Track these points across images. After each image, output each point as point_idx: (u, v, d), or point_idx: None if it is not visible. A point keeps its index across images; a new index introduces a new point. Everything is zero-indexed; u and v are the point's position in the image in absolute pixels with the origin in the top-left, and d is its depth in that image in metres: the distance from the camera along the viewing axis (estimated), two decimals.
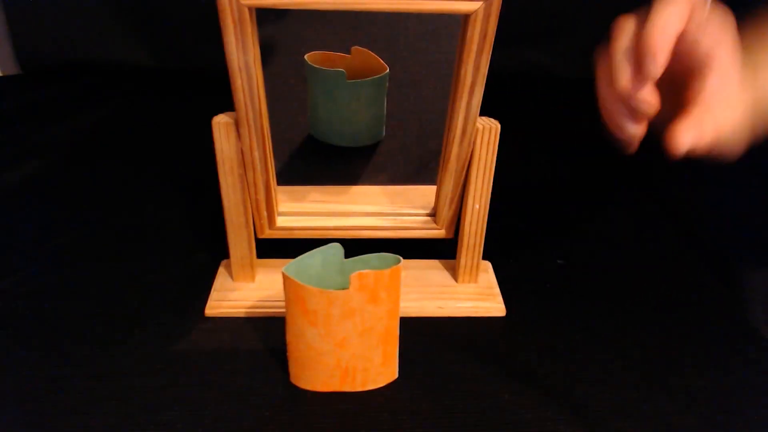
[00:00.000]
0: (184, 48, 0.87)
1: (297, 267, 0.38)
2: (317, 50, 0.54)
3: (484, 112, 0.42)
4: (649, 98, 0.33)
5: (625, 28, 0.34)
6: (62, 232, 0.55)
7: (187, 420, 0.38)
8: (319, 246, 0.40)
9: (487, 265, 0.51)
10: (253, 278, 0.48)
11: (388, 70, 0.53)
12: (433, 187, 0.47)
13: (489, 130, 0.42)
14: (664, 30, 0.32)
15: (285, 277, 0.37)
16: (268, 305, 0.46)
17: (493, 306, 0.47)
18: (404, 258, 0.38)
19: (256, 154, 0.42)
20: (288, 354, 0.40)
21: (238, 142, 0.41)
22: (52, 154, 0.68)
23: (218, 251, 0.50)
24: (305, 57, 0.53)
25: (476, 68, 0.38)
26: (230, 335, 0.44)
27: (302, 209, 0.48)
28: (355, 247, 0.42)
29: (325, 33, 0.55)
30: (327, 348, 0.39)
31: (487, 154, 0.43)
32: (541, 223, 0.59)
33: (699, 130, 0.33)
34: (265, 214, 0.45)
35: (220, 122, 0.41)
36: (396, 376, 0.41)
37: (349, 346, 0.39)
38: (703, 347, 0.45)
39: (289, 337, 0.39)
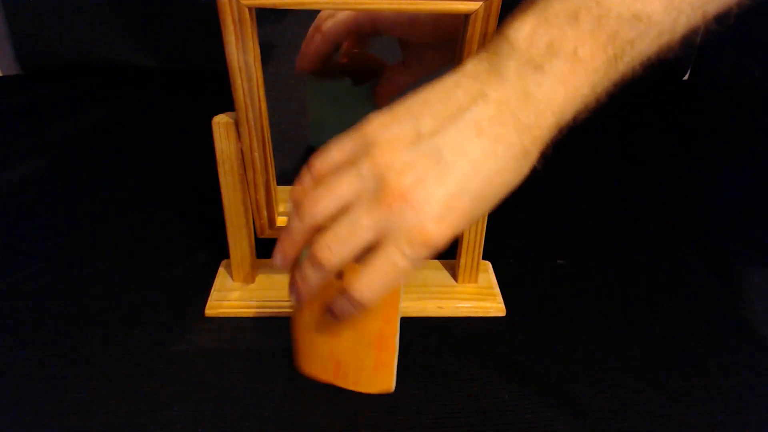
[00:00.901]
0: (184, 48, 0.87)
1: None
2: None
3: None
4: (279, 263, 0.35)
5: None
6: (62, 232, 0.55)
7: (187, 420, 0.38)
8: None
9: (487, 265, 0.51)
10: (253, 278, 0.48)
11: None
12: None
13: None
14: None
15: None
16: (268, 305, 0.46)
17: (493, 306, 0.47)
18: None
19: (256, 154, 0.42)
20: (291, 336, 0.40)
21: (238, 142, 0.41)
22: (52, 154, 0.68)
23: (218, 251, 0.50)
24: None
25: None
26: (230, 335, 0.44)
27: None
28: None
29: None
30: (320, 336, 0.39)
31: None
32: (541, 223, 0.59)
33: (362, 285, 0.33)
34: (265, 214, 0.45)
35: (220, 122, 0.41)
36: (392, 388, 0.41)
37: (341, 339, 0.39)
38: (703, 347, 0.45)
39: (292, 323, 0.40)
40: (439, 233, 0.31)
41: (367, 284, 0.32)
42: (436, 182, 0.31)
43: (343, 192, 0.32)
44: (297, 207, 0.34)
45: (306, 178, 0.34)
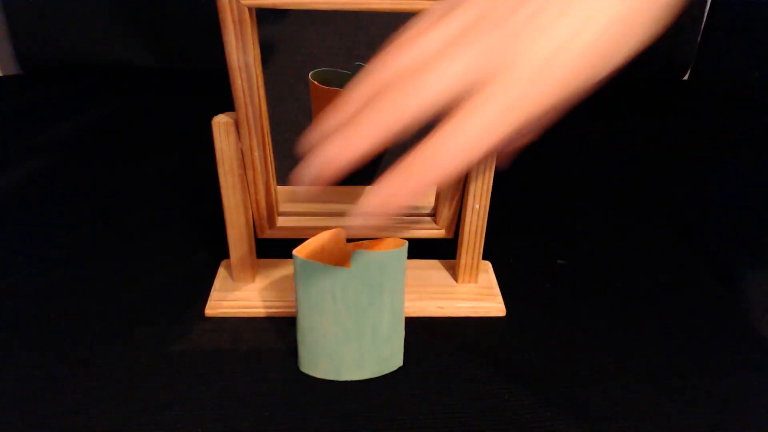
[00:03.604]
0: (184, 48, 0.88)
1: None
2: (317, 51, 0.53)
3: None
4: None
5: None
6: (62, 232, 0.55)
7: (187, 420, 0.38)
8: None
9: (487, 265, 0.51)
10: (253, 278, 0.48)
11: None
12: (433, 187, 0.47)
13: None
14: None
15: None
16: (268, 305, 0.46)
17: (493, 306, 0.47)
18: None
19: (256, 154, 0.42)
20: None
21: (238, 142, 0.41)
22: (52, 154, 0.68)
23: (218, 251, 0.50)
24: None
25: None
26: (230, 335, 0.44)
27: (302, 209, 0.48)
28: None
29: (326, 33, 0.55)
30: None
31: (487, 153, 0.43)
32: (541, 223, 0.59)
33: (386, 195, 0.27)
34: (265, 214, 0.45)
35: (220, 122, 0.41)
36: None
37: None
38: (702, 347, 0.45)
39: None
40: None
41: (447, 146, 0.24)
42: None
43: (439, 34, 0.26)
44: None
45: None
